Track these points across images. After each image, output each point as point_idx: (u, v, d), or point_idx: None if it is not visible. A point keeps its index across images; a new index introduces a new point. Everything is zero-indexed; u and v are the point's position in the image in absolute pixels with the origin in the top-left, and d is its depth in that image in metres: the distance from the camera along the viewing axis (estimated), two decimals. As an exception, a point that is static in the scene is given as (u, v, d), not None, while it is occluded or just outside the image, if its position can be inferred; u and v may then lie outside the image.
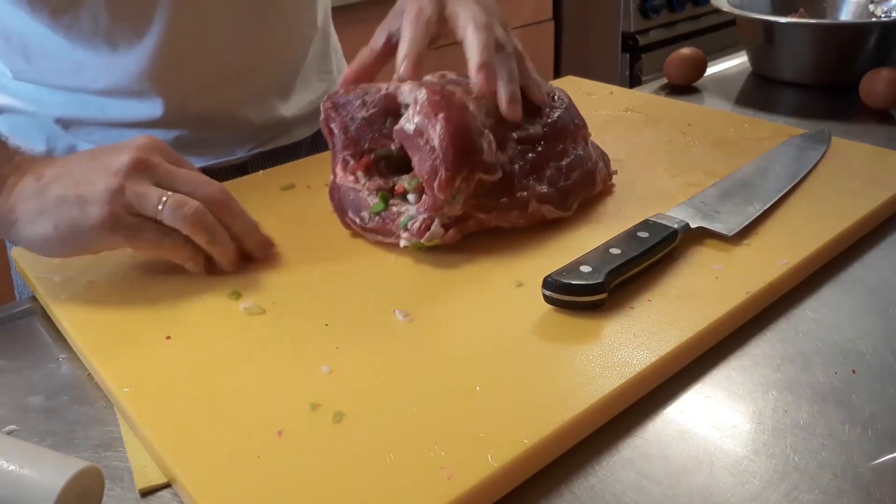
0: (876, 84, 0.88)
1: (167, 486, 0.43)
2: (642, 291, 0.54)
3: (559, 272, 0.52)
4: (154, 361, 0.49)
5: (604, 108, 0.89)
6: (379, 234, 0.61)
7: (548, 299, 0.52)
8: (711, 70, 1.06)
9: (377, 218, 0.60)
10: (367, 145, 0.63)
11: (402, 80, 0.61)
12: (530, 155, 0.62)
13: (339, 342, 0.50)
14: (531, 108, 0.64)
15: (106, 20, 0.70)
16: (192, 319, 0.53)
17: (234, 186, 0.72)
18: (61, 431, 0.47)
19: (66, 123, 0.77)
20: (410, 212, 0.59)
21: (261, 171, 0.77)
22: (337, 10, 0.95)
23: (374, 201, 0.61)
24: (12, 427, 0.47)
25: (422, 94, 0.58)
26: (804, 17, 1.04)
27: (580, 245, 0.58)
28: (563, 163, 0.64)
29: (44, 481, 0.37)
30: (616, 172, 0.70)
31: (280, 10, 0.80)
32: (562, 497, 0.41)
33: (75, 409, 0.49)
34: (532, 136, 0.63)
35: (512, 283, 0.56)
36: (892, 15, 1.02)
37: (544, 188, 0.62)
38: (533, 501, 0.41)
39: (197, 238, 0.55)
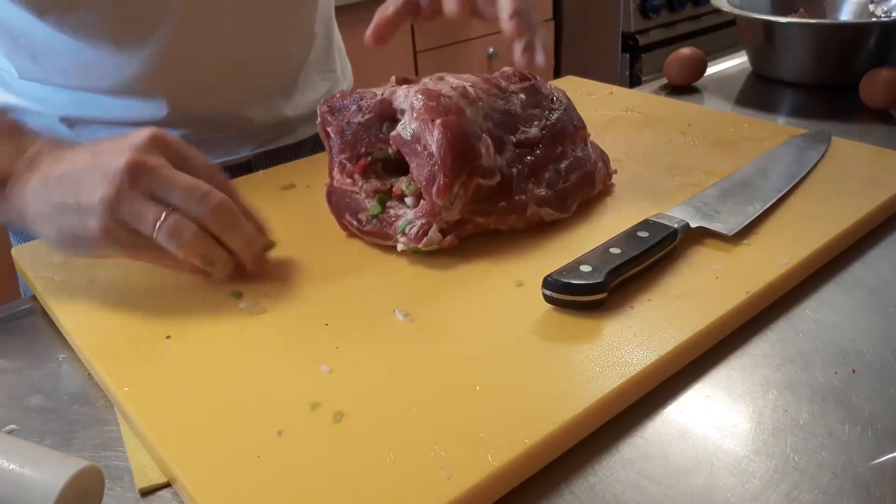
0: (876, 84, 0.88)
1: (167, 485, 0.43)
2: (642, 291, 0.54)
3: (559, 272, 0.52)
4: (154, 361, 0.49)
5: (604, 108, 0.89)
6: (376, 237, 0.61)
7: (548, 299, 0.52)
8: (711, 70, 1.06)
9: (374, 221, 0.60)
10: (363, 149, 0.63)
11: (510, 35, 0.60)
12: (529, 158, 0.62)
13: (339, 342, 0.50)
14: (531, 108, 0.64)
15: (113, 21, 0.70)
16: (192, 319, 0.53)
17: (234, 186, 0.72)
18: (61, 431, 0.47)
19: (70, 122, 0.77)
20: (408, 216, 0.59)
21: (261, 171, 0.77)
22: (339, 10, 0.95)
23: (371, 204, 0.61)
24: (12, 427, 0.47)
25: (418, 100, 0.58)
26: (804, 17, 1.04)
27: (580, 245, 0.58)
28: (562, 165, 0.64)
29: (44, 481, 0.38)
30: (616, 172, 0.70)
31: (284, 9, 0.80)
32: (562, 497, 0.41)
33: (75, 409, 0.49)
34: (530, 139, 0.63)
35: (512, 283, 0.56)
36: (892, 15, 1.02)
37: (543, 191, 0.62)
38: (533, 501, 0.41)
39: (193, 260, 0.54)
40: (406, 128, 0.58)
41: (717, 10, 1.04)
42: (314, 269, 0.59)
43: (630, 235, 0.57)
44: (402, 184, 0.62)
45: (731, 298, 0.53)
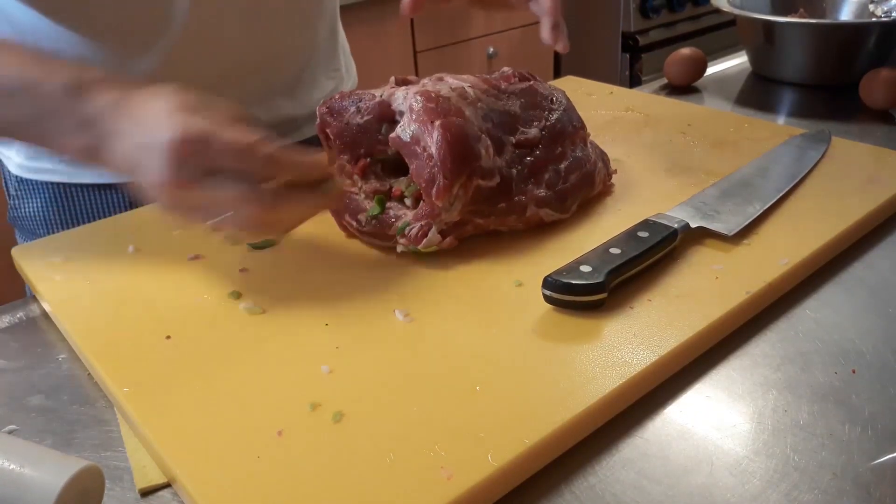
0: (876, 84, 0.88)
1: (167, 486, 0.43)
2: (642, 291, 0.54)
3: (559, 272, 0.52)
4: (154, 361, 0.49)
5: (604, 108, 0.89)
6: (376, 237, 0.61)
7: (548, 299, 0.52)
8: (711, 70, 1.06)
9: (374, 222, 0.60)
10: (362, 151, 0.63)
11: (546, 10, 0.66)
12: (528, 159, 0.62)
13: (339, 342, 0.50)
14: (531, 109, 0.64)
15: (120, 24, 0.70)
16: (192, 319, 0.53)
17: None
18: (61, 431, 0.47)
19: None
20: (407, 217, 0.59)
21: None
22: (343, 9, 0.95)
23: (370, 205, 0.61)
24: (12, 427, 0.47)
25: (417, 102, 0.58)
26: (804, 17, 1.04)
27: (580, 245, 0.58)
28: (562, 165, 0.64)
29: (44, 480, 0.38)
30: (616, 172, 0.70)
31: (290, 8, 0.80)
32: (562, 497, 0.41)
33: (75, 409, 0.49)
34: (530, 140, 0.63)
35: (512, 283, 0.56)
36: (892, 15, 1.02)
37: (542, 192, 0.62)
38: (533, 501, 0.41)
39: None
40: (405, 129, 0.58)
41: (717, 10, 1.04)
42: (314, 270, 0.59)
43: (630, 235, 0.57)
44: (401, 185, 0.62)
45: (731, 298, 0.53)
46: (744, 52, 1.08)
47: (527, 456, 0.41)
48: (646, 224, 0.58)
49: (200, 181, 0.50)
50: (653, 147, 0.78)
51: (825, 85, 0.99)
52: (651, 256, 0.56)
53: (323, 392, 0.46)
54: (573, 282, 0.51)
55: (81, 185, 0.79)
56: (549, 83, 0.70)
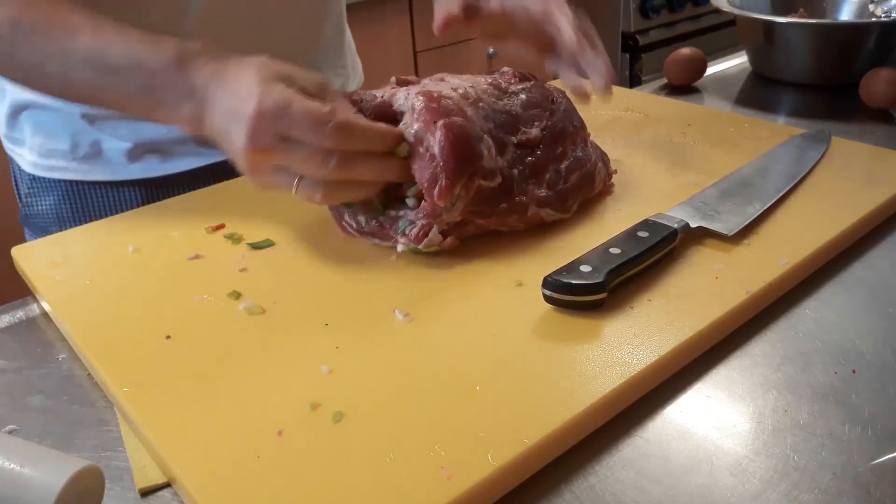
0: (876, 84, 0.88)
1: (167, 486, 0.43)
2: (642, 291, 0.54)
3: (559, 272, 0.52)
4: (154, 361, 0.49)
5: (604, 108, 0.89)
6: (376, 237, 0.61)
7: (548, 299, 0.52)
8: (711, 70, 1.06)
9: (374, 222, 0.60)
10: None
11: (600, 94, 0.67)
12: (529, 159, 0.62)
13: (339, 342, 0.50)
14: (532, 109, 0.64)
15: (137, 16, 0.70)
16: (192, 319, 0.53)
17: (232, 185, 0.72)
18: (61, 431, 0.47)
19: (91, 118, 0.78)
20: (409, 217, 0.59)
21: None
22: (347, 8, 0.95)
23: (371, 205, 0.61)
24: (12, 427, 0.47)
25: (419, 102, 0.58)
26: (804, 17, 1.04)
27: (580, 245, 0.58)
28: (563, 165, 0.64)
29: (44, 480, 0.38)
30: (616, 172, 0.70)
31: (298, 7, 0.80)
32: (562, 497, 0.41)
33: (75, 409, 0.49)
34: (531, 140, 0.63)
35: (512, 283, 0.56)
36: (892, 15, 1.02)
37: (543, 192, 0.62)
38: (533, 501, 0.41)
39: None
40: (408, 129, 0.58)
41: (717, 10, 1.04)
42: (314, 270, 0.59)
43: (630, 235, 0.57)
44: (402, 185, 0.62)
45: (731, 298, 0.53)
46: (744, 52, 1.08)
47: (527, 456, 0.41)
48: (646, 224, 0.58)
49: (278, 147, 0.53)
50: (653, 147, 0.78)
51: (825, 85, 0.99)
52: (651, 256, 0.56)
53: (323, 392, 0.46)
54: (573, 282, 0.51)
55: (94, 183, 0.80)
56: (549, 83, 0.70)
